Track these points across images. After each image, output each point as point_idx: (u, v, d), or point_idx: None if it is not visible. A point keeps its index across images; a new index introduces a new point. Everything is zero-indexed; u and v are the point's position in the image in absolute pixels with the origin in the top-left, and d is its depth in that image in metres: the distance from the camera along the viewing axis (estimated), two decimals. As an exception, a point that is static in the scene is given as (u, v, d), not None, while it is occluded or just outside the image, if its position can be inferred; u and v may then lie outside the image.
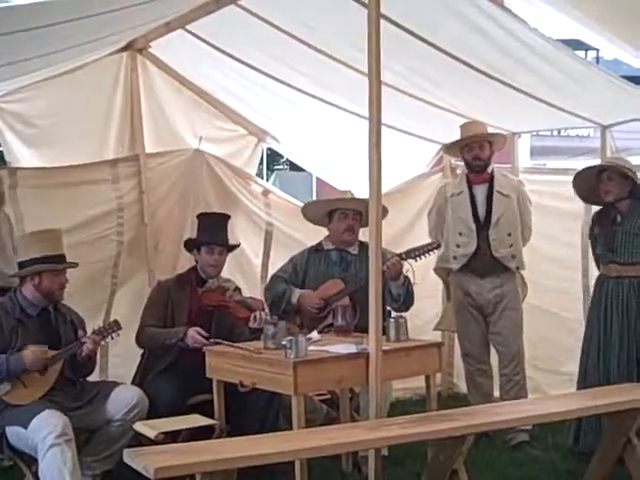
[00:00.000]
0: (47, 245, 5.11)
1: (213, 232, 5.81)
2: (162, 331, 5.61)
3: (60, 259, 5.14)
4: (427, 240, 6.05)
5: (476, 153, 6.21)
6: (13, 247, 5.60)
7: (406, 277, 5.71)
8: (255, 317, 5.50)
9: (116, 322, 5.28)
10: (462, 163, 6.51)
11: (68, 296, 5.31)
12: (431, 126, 7.35)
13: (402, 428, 4.25)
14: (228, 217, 6.02)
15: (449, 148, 6.55)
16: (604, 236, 5.69)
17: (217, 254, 5.78)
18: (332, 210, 6.07)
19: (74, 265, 5.25)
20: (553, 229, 6.69)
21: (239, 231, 7.19)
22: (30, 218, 6.19)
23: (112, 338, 5.26)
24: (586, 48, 12.97)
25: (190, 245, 5.92)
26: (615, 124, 6.69)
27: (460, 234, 6.26)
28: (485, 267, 6.19)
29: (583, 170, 5.83)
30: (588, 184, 5.79)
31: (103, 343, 5.33)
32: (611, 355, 5.60)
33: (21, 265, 5.13)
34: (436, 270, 6.59)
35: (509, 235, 6.20)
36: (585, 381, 5.72)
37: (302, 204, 6.84)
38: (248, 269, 7.39)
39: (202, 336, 5.46)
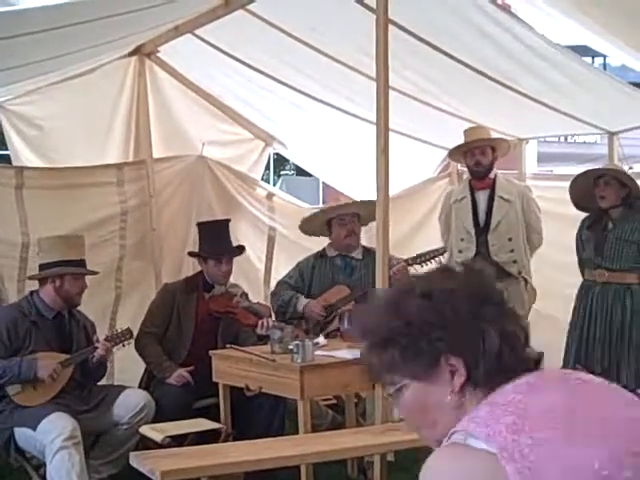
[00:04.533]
0: (71, 249, 5.16)
1: (217, 242, 5.78)
2: (153, 360, 5.59)
3: (82, 264, 5.20)
4: (433, 245, 6.05)
5: (477, 159, 6.17)
6: None
7: None
8: (263, 324, 5.51)
9: (129, 330, 5.33)
10: (468, 169, 6.50)
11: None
12: (438, 131, 7.34)
13: (408, 433, 4.22)
14: (228, 222, 5.98)
15: (452, 153, 6.51)
16: (594, 241, 5.69)
17: (225, 264, 5.76)
18: (330, 219, 6.06)
19: (95, 272, 5.30)
20: (559, 235, 6.67)
21: (242, 236, 7.18)
22: (34, 219, 6.19)
23: (124, 345, 5.30)
24: (593, 54, 12.94)
25: (194, 255, 5.94)
26: (622, 131, 6.70)
27: (462, 240, 6.26)
28: (485, 272, 6.16)
29: (581, 174, 5.81)
30: (583, 189, 5.78)
31: (115, 350, 5.36)
32: (592, 362, 5.59)
33: (43, 267, 5.16)
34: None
35: (510, 240, 6.17)
36: None
37: (307, 206, 6.81)
38: (251, 274, 7.38)
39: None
